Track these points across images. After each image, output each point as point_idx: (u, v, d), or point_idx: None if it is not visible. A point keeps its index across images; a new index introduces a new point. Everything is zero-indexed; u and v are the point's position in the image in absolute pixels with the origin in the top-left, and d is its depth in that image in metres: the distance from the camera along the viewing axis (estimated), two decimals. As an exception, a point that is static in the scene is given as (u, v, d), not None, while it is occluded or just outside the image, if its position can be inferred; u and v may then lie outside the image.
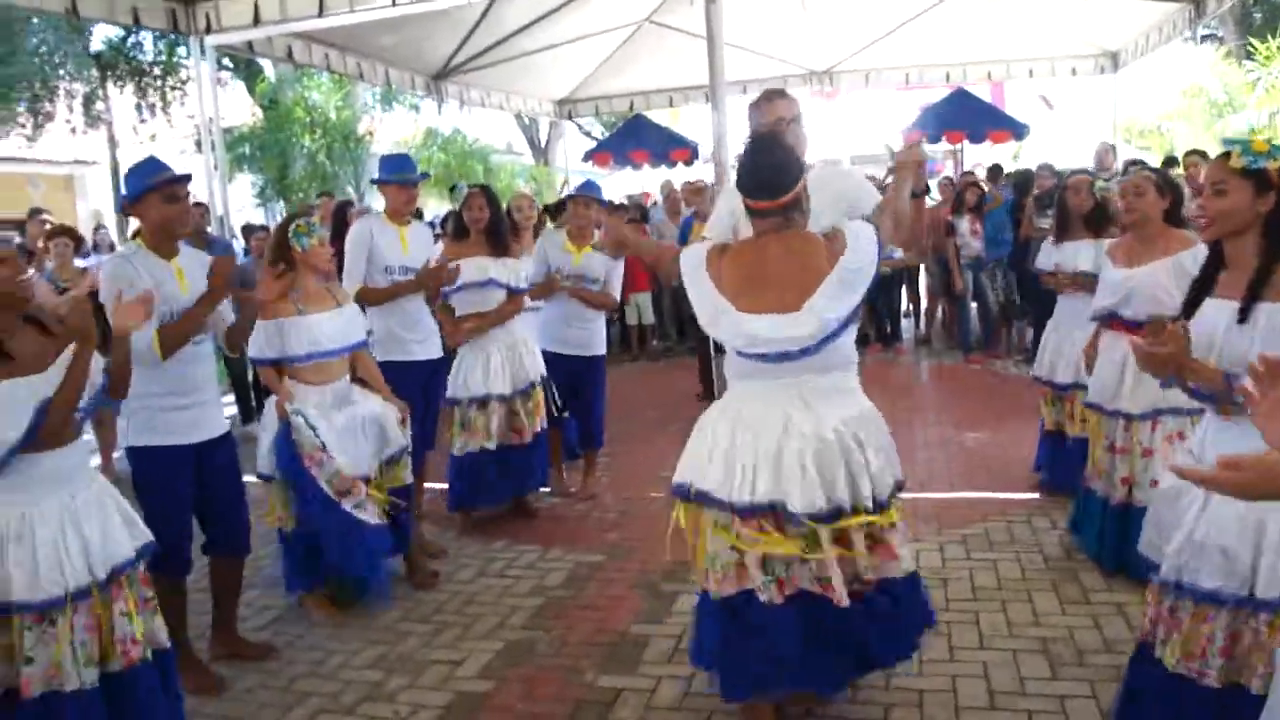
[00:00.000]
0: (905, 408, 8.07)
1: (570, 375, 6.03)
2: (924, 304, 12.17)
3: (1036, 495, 5.73)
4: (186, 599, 3.96)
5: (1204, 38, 12.91)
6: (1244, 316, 2.68)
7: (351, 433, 4.49)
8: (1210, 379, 2.73)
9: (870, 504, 3.06)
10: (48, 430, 2.92)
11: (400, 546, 4.81)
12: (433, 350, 5.31)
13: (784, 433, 3.03)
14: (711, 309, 3.11)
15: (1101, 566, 4.60)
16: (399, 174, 5.17)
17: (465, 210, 5.56)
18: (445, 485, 5.80)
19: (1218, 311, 2.78)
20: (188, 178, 3.84)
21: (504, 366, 5.58)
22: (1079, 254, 5.43)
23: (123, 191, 3.88)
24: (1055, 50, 13.71)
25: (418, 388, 5.16)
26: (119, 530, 3.15)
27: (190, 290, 3.76)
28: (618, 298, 6.27)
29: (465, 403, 5.55)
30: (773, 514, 3.03)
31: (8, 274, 2.95)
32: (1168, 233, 4.38)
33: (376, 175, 5.29)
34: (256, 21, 8.32)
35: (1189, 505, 2.79)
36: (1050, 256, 5.68)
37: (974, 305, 10.58)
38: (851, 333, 3.18)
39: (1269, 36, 15.57)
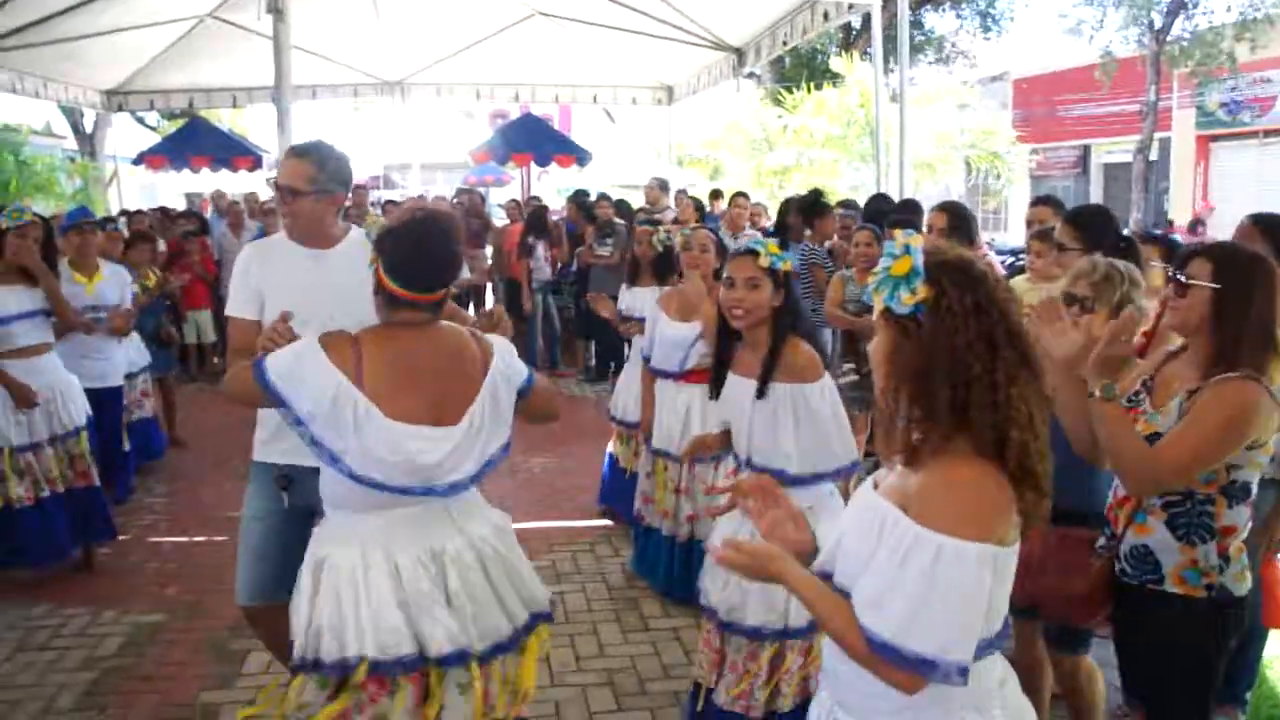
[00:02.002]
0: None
1: (94, 409, 5.55)
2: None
3: (601, 523, 6.07)
4: None
5: (748, 75, 14.40)
6: (761, 394, 3.22)
7: None
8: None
9: (545, 605, 2.84)
10: None
11: None
12: None
13: (448, 565, 2.61)
14: (345, 412, 2.46)
15: (671, 598, 4.93)
16: None
17: (17, 236, 4.95)
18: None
19: (743, 389, 3.31)
20: None
21: (44, 409, 5.09)
22: (646, 299, 5.78)
23: None
24: (618, 80, 14.65)
25: None
26: None
27: None
28: (132, 316, 6.08)
29: (6, 451, 4.99)
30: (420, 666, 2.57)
31: None
32: (714, 288, 4.80)
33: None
34: None
35: None
36: (624, 300, 6.04)
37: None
38: None
39: (797, 84, 17.52)
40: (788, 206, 8.05)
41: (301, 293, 3.17)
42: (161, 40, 12.65)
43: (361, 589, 2.53)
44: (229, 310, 3.33)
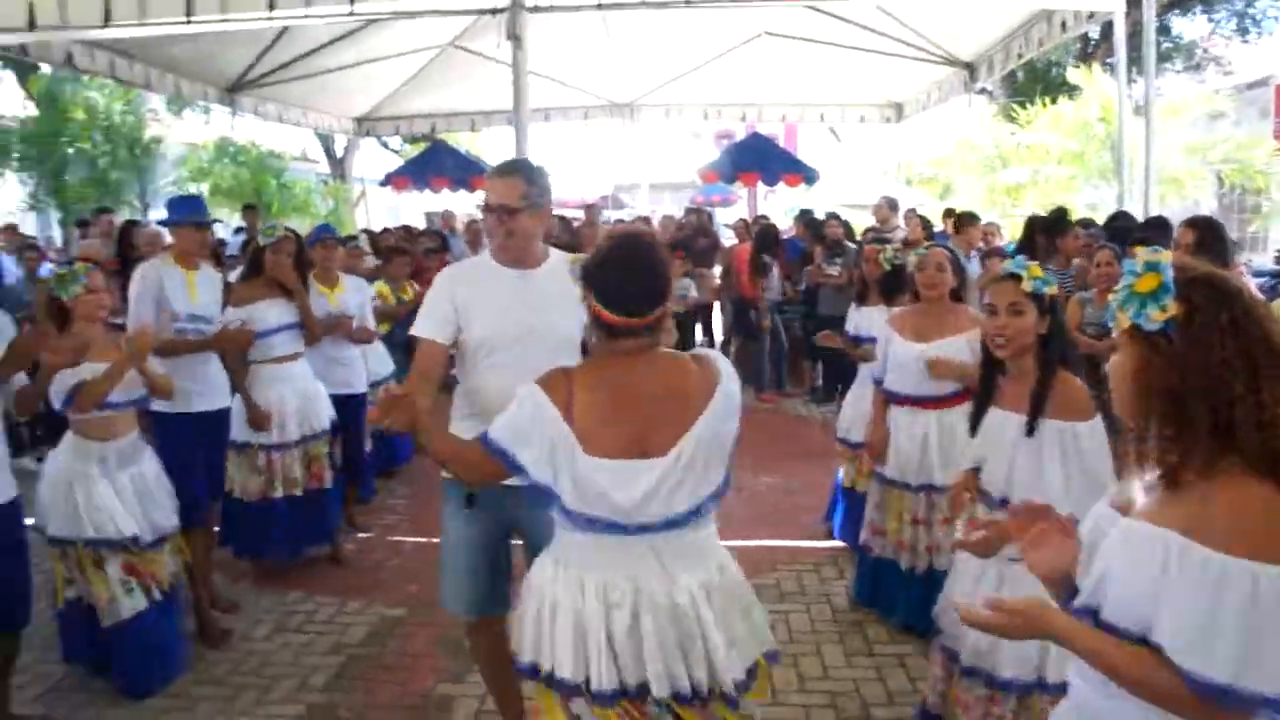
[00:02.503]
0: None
1: (338, 413, 5.91)
2: (719, 340, 12.53)
3: (825, 544, 5.98)
4: None
5: (979, 90, 13.94)
6: (1030, 431, 3.05)
7: (142, 493, 4.31)
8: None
9: (730, 689, 2.55)
10: None
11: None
12: (217, 400, 5.07)
13: (635, 602, 2.49)
14: (561, 451, 2.44)
15: (906, 630, 4.74)
16: (193, 215, 4.99)
17: (273, 252, 5.40)
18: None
19: (1006, 424, 3.15)
20: None
21: (295, 415, 5.50)
22: (873, 320, 5.64)
23: None
24: (845, 98, 14.52)
25: (200, 439, 4.95)
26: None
27: None
28: (374, 327, 6.45)
29: (256, 448, 5.42)
30: (635, 699, 2.50)
31: None
32: (955, 308, 4.63)
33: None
34: (32, 26, 7.83)
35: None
36: (852, 320, 5.91)
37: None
38: None
39: (1030, 98, 16.86)
40: (1032, 226, 7.72)
41: (506, 313, 3.22)
42: (406, 70, 13.44)
43: (553, 608, 2.53)
44: (416, 330, 3.30)
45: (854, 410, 5.71)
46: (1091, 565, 1.87)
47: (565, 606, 2.51)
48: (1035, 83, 20.11)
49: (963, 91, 12.42)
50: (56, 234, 17.57)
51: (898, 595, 4.78)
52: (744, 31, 12.30)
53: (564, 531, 2.58)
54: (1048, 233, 7.36)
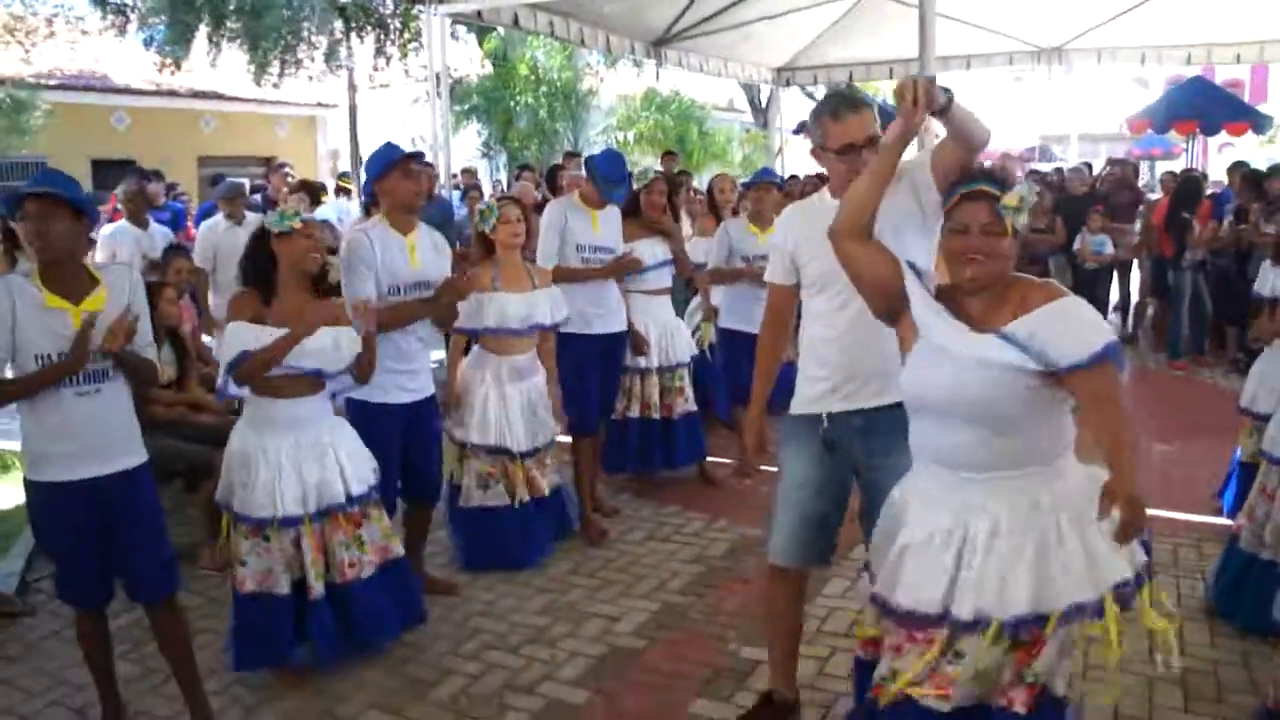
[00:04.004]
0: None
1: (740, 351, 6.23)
2: (1134, 300, 11.74)
3: (1212, 519, 5.56)
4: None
5: None
6: None
7: (527, 407, 4.95)
8: None
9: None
10: (241, 376, 3.66)
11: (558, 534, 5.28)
12: (614, 324, 5.57)
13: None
14: None
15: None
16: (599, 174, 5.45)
17: (646, 193, 5.83)
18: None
19: None
20: (421, 155, 4.40)
21: (656, 344, 5.96)
22: None
23: (363, 175, 4.42)
24: (1319, 29, 12.74)
25: (597, 358, 5.49)
26: (334, 476, 3.82)
27: (421, 264, 4.32)
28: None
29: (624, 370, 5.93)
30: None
31: (306, 246, 3.71)
32: None
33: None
34: (486, -8, 8.83)
35: None
36: (1267, 279, 5.22)
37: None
38: None
39: None
40: None
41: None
42: (825, 18, 13.48)
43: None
44: (766, 275, 3.50)
45: (1258, 381, 5.20)
46: None
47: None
48: None
49: None
50: (504, 178, 19.55)
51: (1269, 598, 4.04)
52: (1190, -38, 11.22)
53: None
54: None
